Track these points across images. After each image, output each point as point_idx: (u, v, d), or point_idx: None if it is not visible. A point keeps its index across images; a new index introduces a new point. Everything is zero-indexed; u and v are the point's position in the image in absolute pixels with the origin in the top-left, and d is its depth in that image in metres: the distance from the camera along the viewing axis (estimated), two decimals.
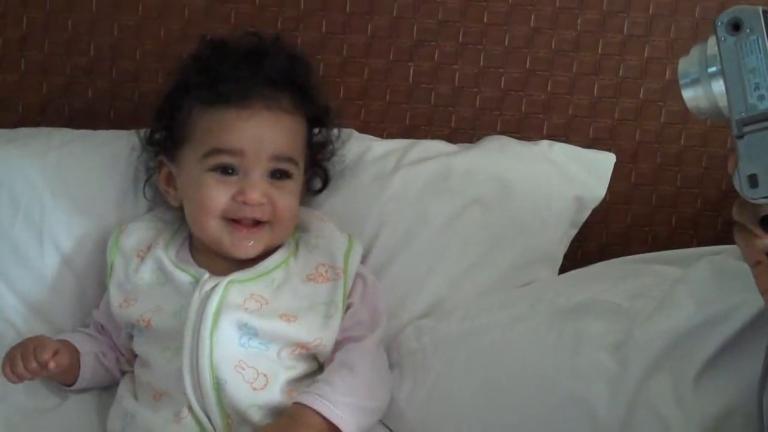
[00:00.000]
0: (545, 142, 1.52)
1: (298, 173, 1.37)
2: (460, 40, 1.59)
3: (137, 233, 1.40)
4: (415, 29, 1.59)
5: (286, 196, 1.34)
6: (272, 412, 1.23)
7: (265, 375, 1.24)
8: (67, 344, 1.33)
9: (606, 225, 1.62)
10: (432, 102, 1.61)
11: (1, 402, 1.31)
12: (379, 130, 1.60)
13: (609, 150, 1.54)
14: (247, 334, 1.26)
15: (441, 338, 1.30)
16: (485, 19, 1.58)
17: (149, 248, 1.38)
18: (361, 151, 1.50)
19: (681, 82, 0.83)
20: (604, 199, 1.52)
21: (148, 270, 1.35)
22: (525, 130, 1.60)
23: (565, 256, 1.52)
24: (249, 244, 1.33)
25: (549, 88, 1.60)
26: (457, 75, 1.60)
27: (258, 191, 1.30)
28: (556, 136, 1.58)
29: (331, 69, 1.60)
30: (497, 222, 1.44)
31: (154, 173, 1.43)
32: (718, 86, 0.79)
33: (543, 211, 1.46)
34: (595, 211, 1.53)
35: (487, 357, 1.24)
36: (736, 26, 0.77)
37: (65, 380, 1.35)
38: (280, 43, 1.41)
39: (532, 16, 1.58)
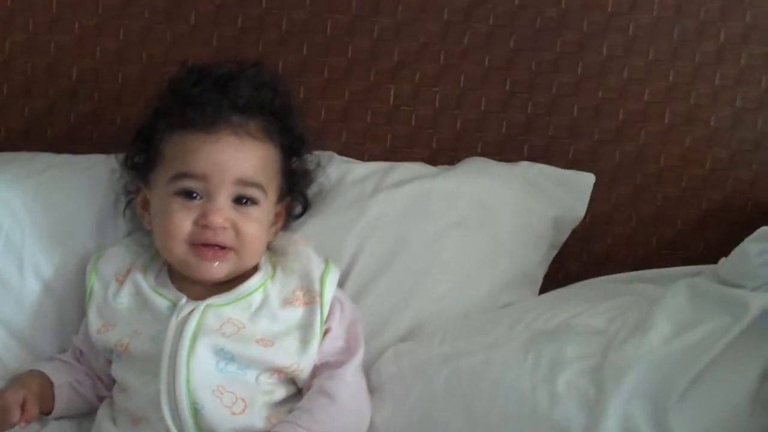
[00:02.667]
0: (524, 163, 1.53)
1: (265, 199, 1.35)
2: (441, 62, 1.60)
3: (116, 258, 1.40)
4: (396, 51, 1.60)
5: (251, 223, 1.33)
6: None
7: (243, 399, 1.24)
8: (39, 377, 1.34)
9: (587, 245, 1.63)
10: (413, 123, 1.62)
11: None
12: (360, 152, 1.60)
13: (589, 171, 1.55)
14: (225, 359, 1.26)
15: (420, 362, 1.30)
16: (465, 42, 1.59)
17: (128, 272, 1.38)
18: (340, 174, 1.50)
19: None
20: (585, 220, 1.53)
21: (127, 294, 1.35)
22: (505, 151, 1.61)
23: (546, 277, 1.53)
24: (214, 266, 1.32)
25: (529, 109, 1.61)
26: (437, 97, 1.61)
27: (220, 215, 1.30)
28: (536, 157, 1.58)
29: (312, 91, 1.61)
30: (477, 244, 1.45)
31: (134, 197, 1.43)
32: None
33: (523, 232, 1.47)
34: (575, 232, 1.54)
35: (466, 382, 1.24)
36: None
37: (41, 411, 1.33)
38: (257, 70, 1.41)
39: (512, 38, 1.59)
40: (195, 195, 1.31)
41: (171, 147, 1.34)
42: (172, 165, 1.32)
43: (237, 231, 1.31)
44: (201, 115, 1.32)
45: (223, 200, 1.31)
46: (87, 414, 1.38)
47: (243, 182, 1.32)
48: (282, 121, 1.39)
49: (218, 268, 1.32)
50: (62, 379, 1.36)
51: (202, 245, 1.31)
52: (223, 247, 1.32)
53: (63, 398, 1.35)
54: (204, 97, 1.34)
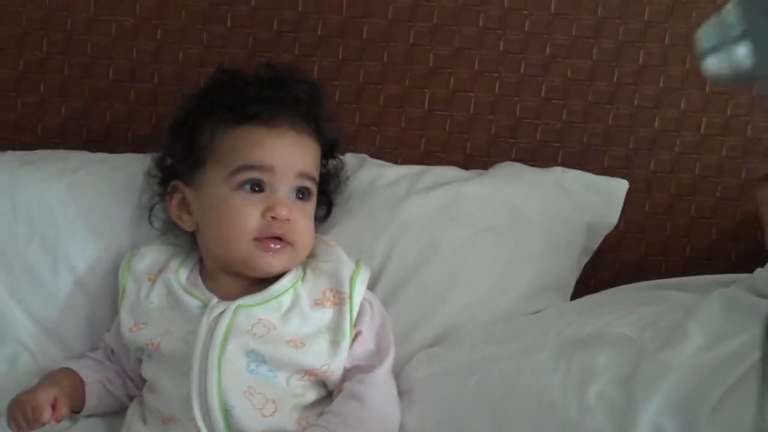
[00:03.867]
0: (557, 169, 1.53)
1: (314, 196, 1.39)
2: (476, 67, 1.60)
3: (149, 257, 1.41)
4: (431, 56, 1.60)
5: (306, 220, 1.36)
6: None
7: (273, 401, 1.24)
8: (71, 375, 1.34)
9: (619, 254, 1.62)
10: (447, 129, 1.62)
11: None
12: (394, 157, 1.60)
13: (623, 179, 1.54)
14: (255, 361, 1.26)
15: (450, 367, 1.30)
16: (501, 47, 1.59)
17: (160, 272, 1.38)
18: (372, 176, 1.51)
19: (701, 48, 0.84)
20: (618, 228, 1.53)
21: (159, 294, 1.36)
22: (539, 158, 1.61)
23: (578, 285, 1.52)
24: (274, 261, 1.33)
25: (564, 116, 1.60)
26: (472, 102, 1.61)
27: (286, 208, 1.32)
28: (571, 164, 1.58)
29: (347, 95, 1.61)
30: (509, 249, 1.44)
31: (160, 201, 1.43)
32: (743, 50, 0.80)
33: (555, 238, 1.47)
34: (608, 240, 1.53)
35: (496, 389, 1.23)
36: None
37: (72, 409, 1.33)
38: (297, 72, 1.44)
39: (548, 45, 1.59)
40: (258, 188, 1.32)
41: (230, 141, 1.34)
42: (233, 159, 1.33)
43: (295, 226, 1.33)
44: (263, 110, 1.34)
45: (287, 192, 1.33)
46: (117, 412, 1.38)
47: (304, 175, 1.35)
48: (321, 122, 1.42)
49: (278, 261, 1.33)
50: (93, 377, 1.36)
51: (269, 238, 1.32)
52: (282, 241, 1.33)
53: (93, 397, 1.36)
54: (264, 93, 1.37)
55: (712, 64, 0.84)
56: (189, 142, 1.38)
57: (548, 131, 1.61)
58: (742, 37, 0.80)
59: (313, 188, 1.38)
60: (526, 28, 1.58)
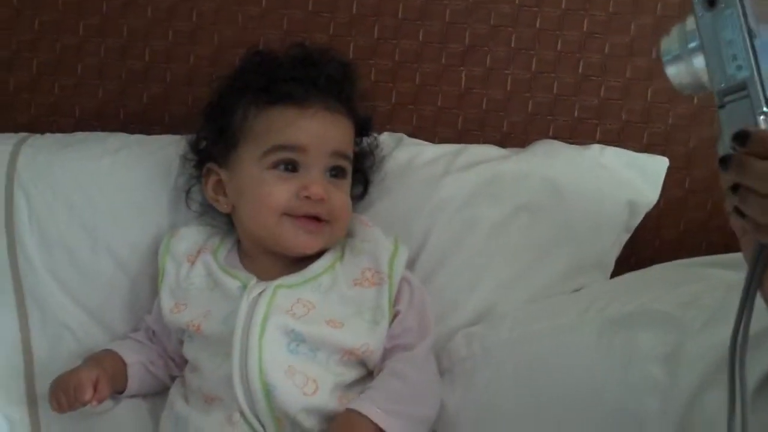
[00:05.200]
0: (596, 147, 1.51)
1: (350, 174, 1.39)
2: (512, 45, 1.59)
3: (188, 238, 1.42)
4: (467, 34, 1.59)
5: (343, 195, 1.36)
6: (322, 417, 1.24)
7: (314, 380, 1.24)
8: (113, 357, 1.36)
9: (659, 231, 1.60)
10: (484, 107, 1.61)
11: None
12: (431, 136, 1.59)
13: (663, 156, 1.53)
14: (296, 340, 1.26)
15: (490, 346, 1.30)
16: (537, 24, 1.58)
17: (199, 253, 1.39)
18: (410, 155, 1.50)
19: (664, 59, 0.86)
20: (658, 205, 1.51)
21: (198, 275, 1.37)
22: (577, 135, 1.59)
23: (618, 262, 1.50)
24: (310, 240, 1.34)
25: (602, 93, 1.59)
26: (509, 80, 1.60)
27: (321, 187, 1.32)
28: (609, 141, 1.56)
29: (383, 74, 1.60)
30: (548, 227, 1.43)
31: (196, 184, 1.44)
32: (699, 61, 0.83)
33: (595, 215, 1.45)
34: (648, 217, 1.52)
35: (537, 367, 1.23)
36: (711, 2, 0.80)
37: (114, 390, 1.35)
38: (329, 53, 1.44)
39: (585, 21, 1.57)
40: (292, 167, 1.33)
41: (263, 122, 1.35)
42: (266, 139, 1.34)
43: (332, 203, 1.33)
44: (293, 90, 1.35)
45: (320, 172, 1.34)
46: (159, 393, 1.39)
47: (338, 154, 1.36)
48: (354, 101, 1.42)
49: (315, 241, 1.34)
50: (135, 358, 1.37)
51: (303, 217, 1.32)
52: (319, 220, 1.33)
53: (135, 378, 1.37)
54: (293, 73, 1.37)
55: (672, 73, 0.86)
56: (222, 123, 1.39)
57: (586, 108, 1.59)
58: (700, 48, 0.82)
59: (348, 167, 1.38)
60: (563, 5, 1.57)
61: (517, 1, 1.57)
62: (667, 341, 1.13)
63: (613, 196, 1.46)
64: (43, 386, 1.33)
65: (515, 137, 1.60)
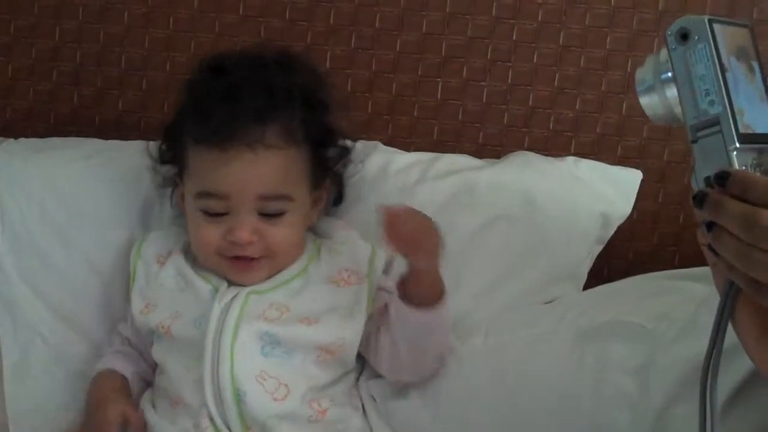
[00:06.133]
0: (571, 159, 1.52)
1: (293, 204, 1.32)
2: (489, 57, 1.59)
3: (159, 241, 1.41)
4: (444, 45, 1.59)
5: (279, 230, 1.31)
6: (292, 422, 1.24)
7: (286, 385, 1.24)
8: (115, 375, 1.35)
9: (632, 243, 1.61)
10: (460, 118, 1.61)
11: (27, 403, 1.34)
12: (406, 145, 1.59)
13: (637, 169, 1.53)
14: (270, 343, 1.26)
15: (463, 356, 1.30)
16: (514, 37, 1.58)
17: (169, 254, 1.39)
18: (384, 162, 1.50)
19: (637, 89, 0.85)
20: (631, 218, 1.52)
21: (169, 275, 1.36)
22: (553, 147, 1.60)
23: (591, 274, 1.51)
24: (250, 276, 1.32)
25: (577, 106, 1.59)
26: (485, 92, 1.60)
27: (246, 231, 1.28)
28: (584, 154, 1.57)
29: (359, 84, 1.60)
30: (522, 237, 1.43)
31: (177, 185, 1.43)
32: (672, 93, 0.82)
33: (568, 227, 1.45)
34: (621, 229, 1.52)
35: (509, 378, 1.23)
36: (684, 36, 0.80)
37: None
38: (286, 60, 1.37)
39: (561, 34, 1.58)
40: (220, 212, 1.30)
41: (192, 160, 1.32)
42: (195, 181, 1.32)
43: (265, 242, 1.30)
44: (213, 131, 1.27)
45: (247, 215, 1.29)
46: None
47: (265, 197, 1.29)
48: (306, 115, 1.33)
49: (255, 275, 1.33)
50: (131, 370, 1.37)
51: (234, 258, 1.31)
52: (253, 259, 1.31)
53: (135, 390, 1.36)
54: (214, 109, 1.28)
55: (646, 103, 0.85)
56: (173, 148, 1.39)
57: (561, 121, 1.60)
58: (673, 81, 0.82)
59: (285, 205, 1.30)
60: (540, 18, 1.58)
61: (493, 14, 1.58)
62: (638, 353, 1.14)
63: (586, 208, 1.47)
64: (14, 392, 1.32)
65: (491, 149, 1.60)
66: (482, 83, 1.60)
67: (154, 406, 1.31)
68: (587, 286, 1.49)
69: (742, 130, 0.78)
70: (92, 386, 1.34)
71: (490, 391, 1.24)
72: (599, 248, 1.51)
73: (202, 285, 1.33)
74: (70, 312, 1.43)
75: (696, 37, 0.79)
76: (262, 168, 1.28)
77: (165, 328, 1.31)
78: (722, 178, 0.77)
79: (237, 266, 1.31)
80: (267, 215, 1.30)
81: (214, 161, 1.28)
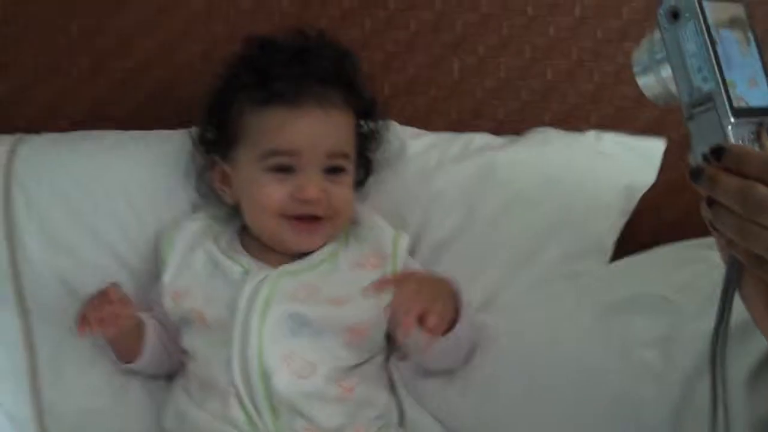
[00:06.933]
0: (592, 133, 1.51)
1: (351, 167, 1.38)
2: (504, 33, 1.58)
3: (189, 229, 1.42)
4: (458, 24, 1.59)
5: (342, 190, 1.36)
6: (319, 400, 1.25)
7: (313, 364, 1.26)
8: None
9: (660, 213, 1.59)
10: (478, 96, 1.60)
11: (62, 402, 1.34)
12: (425, 126, 1.58)
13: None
14: (299, 323, 1.28)
15: (490, 336, 1.30)
16: (529, 12, 1.57)
17: (200, 242, 1.40)
18: (403, 145, 1.50)
19: (634, 70, 0.85)
20: (657, 188, 1.50)
21: (199, 261, 1.37)
22: (573, 121, 1.58)
23: (619, 246, 1.49)
24: (311, 239, 1.35)
25: (596, 78, 1.58)
26: (502, 68, 1.59)
27: (315, 188, 1.32)
28: (605, 126, 1.55)
29: (374, 66, 1.59)
30: (544, 215, 1.43)
31: (206, 171, 1.44)
32: (667, 72, 0.81)
33: (591, 201, 1.44)
34: (647, 200, 1.51)
35: (535, 357, 1.24)
36: (675, 14, 0.79)
37: (126, 357, 1.37)
38: (325, 40, 1.42)
39: (576, 7, 1.56)
40: (288, 169, 1.32)
41: (256, 123, 1.35)
42: (261, 142, 1.34)
43: (330, 200, 1.33)
44: (285, 89, 1.33)
45: (315, 172, 1.33)
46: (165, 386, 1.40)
47: (333, 154, 1.35)
48: (356, 87, 1.41)
49: (315, 239, 1.36)
50: (151, 323, 1.38)
51: (297, 218, 1.33)
52: (318, 218, 1.33)
53: (150, 341, 1.37)
54: (285, 70, 1.35)
55: (643, 83, 0.85)
56: (221, 120, 1.39)
57: (581, 94, 1.59)
58: (667, 60, 0.81)
59: (347, 163, 1.37)
60: None
61: None
62: (662, 326, 1.14)
63: (608, 181, 1.46)
64: (47, 385, 1.33)
65: (510, 125, 1.59)
66: (499, 60, 1.59)
67: (187, 391, 1.32)
68: (616, 257, 1.47)
69: (736, 104, 0.78)
70: None
71: (516, 369, 1.24)
72: (624, 220, 1.49)
73: (233, 267, 1.34)
74: None
75: (686, 15, 0.78)
76: (331, 125, 1.35)
77: (197, 313, 1.32)
78: (718, 153, 0.76)
79: (301, 227, 1.33)
80: (331, 173, 1.35)
81: (286, 118, 1.33)
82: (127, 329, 1.32)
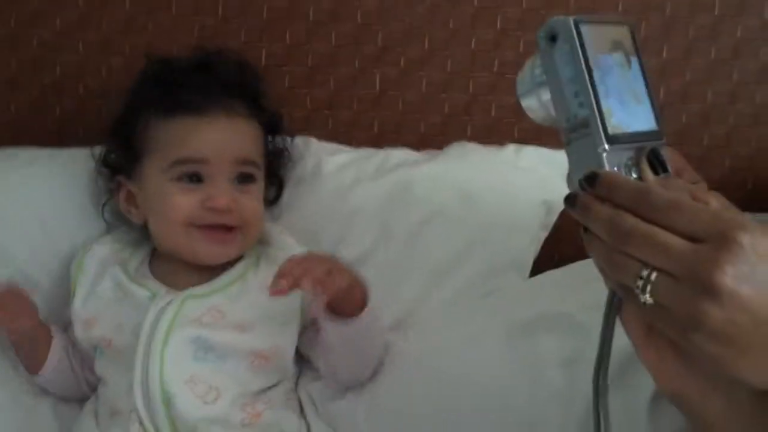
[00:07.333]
0: (511, 147, 1.50)
1: (260, 178, 1.37)
2: (426, 46, 1.57)
3: (100, 252, 1.40)
4: (380, 36, 1.57)
5: (252, 200, 1.34)
6: (224, 426, 1.23)
7: (217, 389, 1.24)
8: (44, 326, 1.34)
9: (580, 226, 1.59)
10: (400, 109, 1.59)
11: None
12: (348, 139, 1.58)
13: None
14: (203, 348, 1.26)
15: (400, 358, 1.29)
16: (451, 24, 1.56)
17: (109, 267, 1.37)
18: (319, 160, 1.49)
19: (517, 92, 0.85)
20: None
21: (108, 288, 1.35)
22: (496, 134, 1.57)
23: (541, 260, 1.49)
24: (224, 249, 1.33)
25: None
26: (424, 81, 1.58)
27: (225, 197, 1.30)
28: (528, 139, 1.55)
29: (297, 80, 1.58)
30: (460, 232, 1.41)
31: (113, 195, 1.42)
32: (547, 95, 0.81)
33: (509, 217, 1.43)
34: (570, 214, 1.50)
35: (443, 378, 1.22)
36: (553, 38, 0.78)
37: (31, 365, 1.35)
38: (225, 54, 1.41)
39: (498, 19, 1.55)
40: (196, 178, 1.31)
41: (163, 134, 1.33)
42: (168, 152, 1.32)
43: (241, 210, 1.31)
44: (190, 97, 1.32)
45: (225, 181, 1.31)
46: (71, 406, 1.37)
47: (241, 161, 1.33)
48: (260, 99, 1.40)
49: (227, 250, 1.33)
50: (60, 337, 1.36)
51: (209, 227, 1.31)
52: (230, 229, 1.31)
53: (56, 354, 1.35)
54: (189, 80, 1.35)
55: (526, 106, 0.84)
56: (126, 136, 1.37)
57: (503, 107, 1.58)
58: (546, 83, 0.80)
59: (256, 172, 1.36)
60: (476, 3, 1.55)
61: (429, 1, 1.56)
62: (567, 346, 1.13)
63: (527, 196, 1.45)
64: None
65: (433, 139, 1.58)
66: (420, 73, 1.58)
67: (95, 416, 1.29)
68: (537, 272, 1.46)
69: (611, 131, 0.77)
70: None
71: (425, 391, 1.22)
72: (544, 234, 1.49)
73: (141, 292, 1.32)
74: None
75: (563, 39, 0.77)
76: (237, 132, 1.34)
77: (107, 341, 1.30)
78: (591, 180, 0.75)
79: (212, 237, 1.31)
80: (241, 182, 1.33)
81: (193, 126, 1.31)
82: (30, 331, 1.31)
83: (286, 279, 1.13)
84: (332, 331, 1.24)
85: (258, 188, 1.37)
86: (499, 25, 1.56)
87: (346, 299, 1.22)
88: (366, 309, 1.23)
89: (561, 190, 1.41)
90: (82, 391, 1.37)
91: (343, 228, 1.43)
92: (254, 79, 1.42)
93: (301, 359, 1.36)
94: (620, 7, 1.54)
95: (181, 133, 1.32)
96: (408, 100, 1.59)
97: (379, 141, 1.58)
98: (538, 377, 1.13)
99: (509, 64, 1.57)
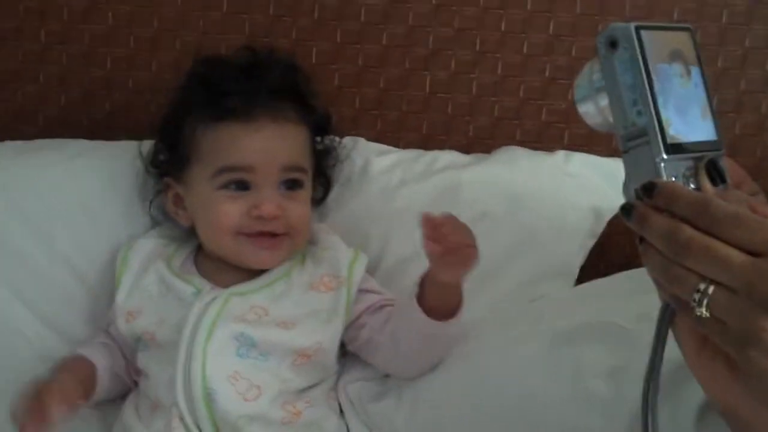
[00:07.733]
0: (561, 153, 1.49)
1: (308, 182, 1.36)
2: (478, 48, 1.56)
3: (146, 247, 1.40)
4: (431, 38, 1.56)
5: (299, 206, 1.33)
6: (264, 423, 1.22)
7: (258, 386, 1.23)
8: (83, 361, 1.33)
9: (630, 236, 1.56)
10: (449, 111, 1.58)
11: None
12: (395, 140, 1.58)
13: None
14: (245, 345, 1.25)
15: (442, 361, 1.27)
16: (503, 27, 1.55)
17: (153, 262, 1.37)
18: (366, 161, 1.48)
19: (575, 97, 0.82)
20: None
21: (152, 283, 1.35)
22: (545, 139, 1.57)
23: (588, 268, 1.47)
24: (272, 256, 1.32)
25: (570, 96, 1.55)
26: (474, 84, 1.57)
27: (272, 204, 1.29)
28: (577, 145, 1.54)
29: (346, 79, 1.58)
30: (507, 236, 1.41)
31: (160, 195, 1.42)
32: (605, 101, 0.79)
33: (557, 222, 1.42)
34: (618, 222, 1.48)
35: (483, 382, 1.20)
36: (613, 43, 0.76)
37: (85, 394, 1.31)
38: (275, 55, 1.40)
39: (551, 23, 1.54)
40: (243, 186, 1.30)
41: (209, 141, 1.32)
42: (214, 159, 1.31)
43: (288, 217, 1.31)
44: (238, 104, 1.30)
45: (272, 189, 1.30)
46: (115, 402, 1.37)
47: (288, 168, 1.32)
48: (309, 101, 1.39)
49: (275, 256, 1.33)
50: (104, 363, 1.35)
51: (257, 234, 1.30)
52: (276, 235, 1.31)
53: (104, 383, 1.34)
54: (236, 86, 1.32)
55: (583, 111, 0.82)
56: (173, 140, 1.37)
57: (553, 112, 1.57)
58: (604, 88, 0.78)
59: (303, 177, 1.35)
60: (528, 7, 1.54)
61: (481, 4, 1.55)
62: (614, 356, 1.11)
63: (575, 203, 1.44)
64: None
65: (481, 142, 1.58)
66: (471, 75, 1.57)
67: (137, 410, 1.30)
68: (584, 280, 1.45)
69: (670, 140, 0.75)
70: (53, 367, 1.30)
71: (464, 395, 1.21)
72: (591, 242, 1.47)
73: (185, 287, 1.32)
74: (53, 317, 1.42)
75: (624, 46, 0.76)
76: (285, 139, 1.33)
77: (150, 334, 1.30)
78: (649, 190, 0.74)
79: (261, 243, 1.31)
80: (288, 188, 1.32)
81: (239, 134, 1.30)
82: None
83: (443, 227, 1.15)
84: (417, 320, 1.22)
85: (305, 193, 1.36)
86: (551, 30, 1.55)
87: (447, 294, 1.21)
88: (457, 316, 1.22)
89: (610, 198, 1.43)
90: (127, 390, 1.37)
91: (390, 228, 1.42)
92: (303, 81, 1.40)
93: (343, 357, 1.36)
94: (675, 15, 1.52)
95: (227, 140, 1.31)
96: (457, 103, 1.58)
97: (427, 142, 1.57)
98: (581, 386, 1.11)
99: (561, 69, 1.55)
